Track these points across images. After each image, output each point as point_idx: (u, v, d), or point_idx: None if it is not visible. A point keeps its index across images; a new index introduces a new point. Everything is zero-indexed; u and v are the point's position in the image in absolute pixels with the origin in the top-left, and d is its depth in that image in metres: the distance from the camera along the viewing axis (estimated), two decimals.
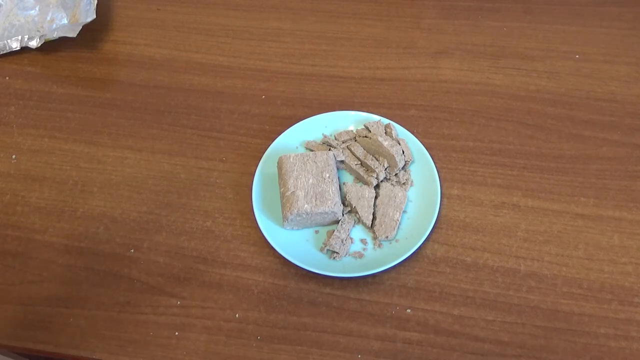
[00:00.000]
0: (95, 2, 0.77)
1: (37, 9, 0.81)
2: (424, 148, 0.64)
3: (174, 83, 0.74)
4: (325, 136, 0.65)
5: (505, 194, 0.62)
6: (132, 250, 0.61)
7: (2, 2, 0.82)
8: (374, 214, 0.60)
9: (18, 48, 0.76)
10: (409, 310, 0.56)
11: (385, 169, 0.62)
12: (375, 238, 0.59)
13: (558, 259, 0.58)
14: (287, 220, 0.58)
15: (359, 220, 0.60)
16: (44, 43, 0.75)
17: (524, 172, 0.64)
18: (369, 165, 0.62)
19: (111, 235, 0.62)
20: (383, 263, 0.56)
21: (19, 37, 0.76)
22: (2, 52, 0.77)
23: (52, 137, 0.70)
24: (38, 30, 0.79)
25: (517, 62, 0.73)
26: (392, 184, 0.62)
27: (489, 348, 0.54)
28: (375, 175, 0.62)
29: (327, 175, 0.59)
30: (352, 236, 0.60)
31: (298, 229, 0.60)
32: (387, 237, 0.58)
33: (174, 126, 0.70)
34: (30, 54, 0.77)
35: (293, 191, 0.58)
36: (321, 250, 0.59)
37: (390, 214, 0.59)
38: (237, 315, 0.57)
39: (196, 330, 0.56)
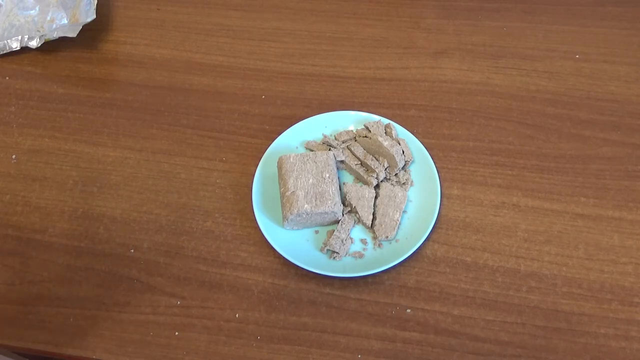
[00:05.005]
0: (95, 2, 0.77)
1: (37, 9, 0.81)
2: (424, 148, 0.64)
3: (174, 83, 0.74)
4: (325, 136, 0.65)
5: (505, 194, 0.62)
6: (132, 250, 0.61)
7: (2, 2, 0.82)
8: (374, 214, 0.60)
9: (18, 48, 0.76)
10: (409, 310, 0.56)
11: (385, 169, 0.62)
12: (375, 238, 0.59)
13: (558, 259, 0.58)
14: (287, 220, 0.58)
15: (359, 220, 0.60)
16: (44, 43, 0.75)
17: (524, 172, 0.64)
18: (369, 165, 0.62)
19: (111, 235, 0.62)
20: (383, 263, 0.56)
21: (19, 37, 0.76)
22: (2, 52, 0.77)
23: (52, 137, 0.70)
24: (38, 30, 0.79)
25: (517, 62, 0.73)
26: (392, 184, 0.62)
27: (489, 348, 0.54)
28: (375, 175, 0.62)
29: (327, 175, 0.59)
30: (352, 236, 0.60)
31: (298, 229, 0.60)
32: (387, 237, 0.58)
33: (173, 126, 0.70)
34: (30, 54, 0.77)
35: (293, 191, 0.58)
36: (321, 250, 0.59)
37: (390, 214, 0.59)
38: (237, 315, 0.57)
39: (196, 330, 0.56)
